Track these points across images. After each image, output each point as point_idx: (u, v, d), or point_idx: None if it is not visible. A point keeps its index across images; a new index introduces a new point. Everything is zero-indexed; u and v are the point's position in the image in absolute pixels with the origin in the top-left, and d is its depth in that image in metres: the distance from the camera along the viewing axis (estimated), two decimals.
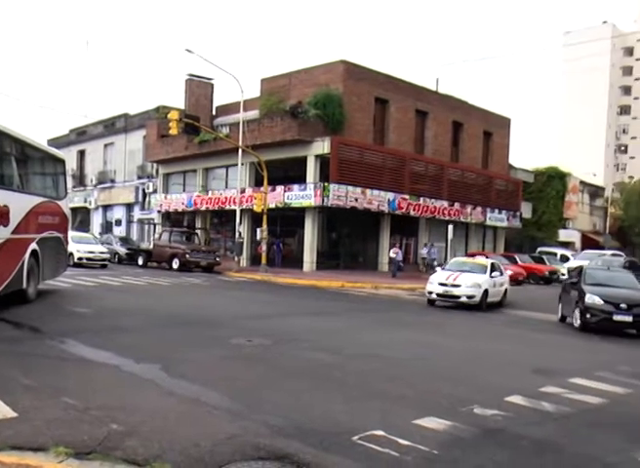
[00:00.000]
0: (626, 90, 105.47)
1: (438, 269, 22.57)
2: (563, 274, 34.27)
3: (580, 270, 18.58)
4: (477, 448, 6.20)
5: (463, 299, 20.05)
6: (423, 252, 38.44)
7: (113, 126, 51.69)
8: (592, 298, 15.99)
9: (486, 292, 20.31)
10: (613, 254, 35.90)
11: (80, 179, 55.13)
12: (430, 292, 20.76)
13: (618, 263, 23.75)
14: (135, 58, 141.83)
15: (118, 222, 51.11)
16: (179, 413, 6.64)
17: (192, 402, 7.14)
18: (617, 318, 15.67)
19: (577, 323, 16.55)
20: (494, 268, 21.70)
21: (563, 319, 18.58)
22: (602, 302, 15.84)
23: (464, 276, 20.45)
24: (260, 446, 5.71)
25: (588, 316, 15.98)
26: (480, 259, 24.73)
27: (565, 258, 41.46)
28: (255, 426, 6.30)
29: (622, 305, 15.65)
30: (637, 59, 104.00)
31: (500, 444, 6.40)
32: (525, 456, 6.11)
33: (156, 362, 9.11)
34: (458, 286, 20.09)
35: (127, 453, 5.34)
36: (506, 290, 22.60)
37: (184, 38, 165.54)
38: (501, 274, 22.31)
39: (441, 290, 20.34)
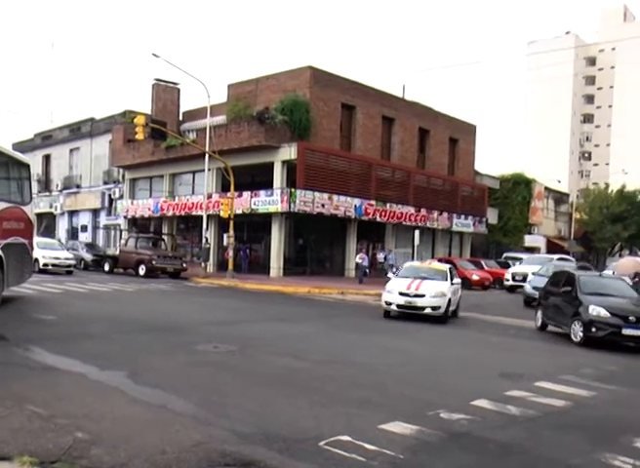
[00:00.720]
0: (589, 99, 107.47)
1: (391, 275, 21.00)
2: (507, 279, 33.42)
3: (567, 276, 17.37)
4: (443, 452, 6.26)
5: (428, 311, 17.91)
6: (380, 256, 38.31)
7: (79, 130, 51.15)
8: (597, 311, 14.71)
9: (449, 301, 18.41)
10: (560, 259, 34.18)
11: (45, 184, 54.39)
12: (389, 304, 18.35)
13: (570, 268, 23.19)
14: (101, 61, 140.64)
15: (84, 228, 50.50)
16: (144, 421, 6.60)
17: (158, 409, 7.09)
18: (626, 332, 14.38)
19: (577, 337, 15.14)
20: (452, 274, 19.94)
21: (544, 327, 17.77)
22: (609, 315, 14.58)
23: (427, 284, 18.37)
24: (227, 452, 5.70)
25: (594, 330, 14.65)
26: (437, 264, 22.38)
27: None
28: (221, 433, 6.28)
29: (631, 318, 14.43)
30: (600, 69, 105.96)
31: (466, 447, 6.46)
32: (490, 460, 6.18)
33: (122, 369, 9.04)
34: (422, 296, 17.97)
35: (92, 462, 5.30)
36: (460, 297, 20.72)
37: (151, 42, 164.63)
38: (458, 280, 20.78)
39: (402, 300, 18.03)
